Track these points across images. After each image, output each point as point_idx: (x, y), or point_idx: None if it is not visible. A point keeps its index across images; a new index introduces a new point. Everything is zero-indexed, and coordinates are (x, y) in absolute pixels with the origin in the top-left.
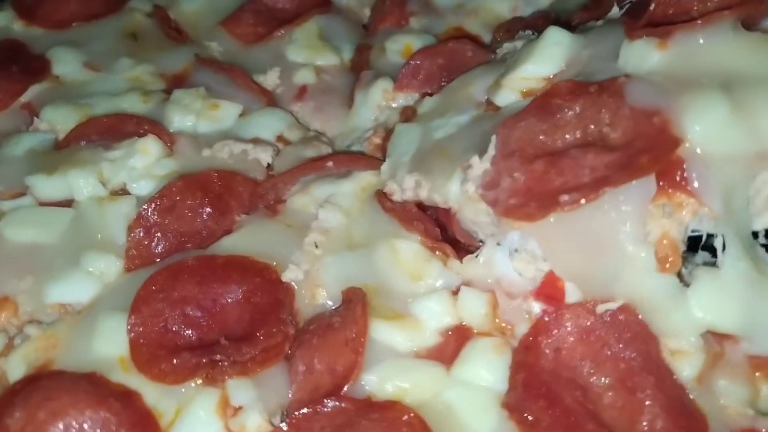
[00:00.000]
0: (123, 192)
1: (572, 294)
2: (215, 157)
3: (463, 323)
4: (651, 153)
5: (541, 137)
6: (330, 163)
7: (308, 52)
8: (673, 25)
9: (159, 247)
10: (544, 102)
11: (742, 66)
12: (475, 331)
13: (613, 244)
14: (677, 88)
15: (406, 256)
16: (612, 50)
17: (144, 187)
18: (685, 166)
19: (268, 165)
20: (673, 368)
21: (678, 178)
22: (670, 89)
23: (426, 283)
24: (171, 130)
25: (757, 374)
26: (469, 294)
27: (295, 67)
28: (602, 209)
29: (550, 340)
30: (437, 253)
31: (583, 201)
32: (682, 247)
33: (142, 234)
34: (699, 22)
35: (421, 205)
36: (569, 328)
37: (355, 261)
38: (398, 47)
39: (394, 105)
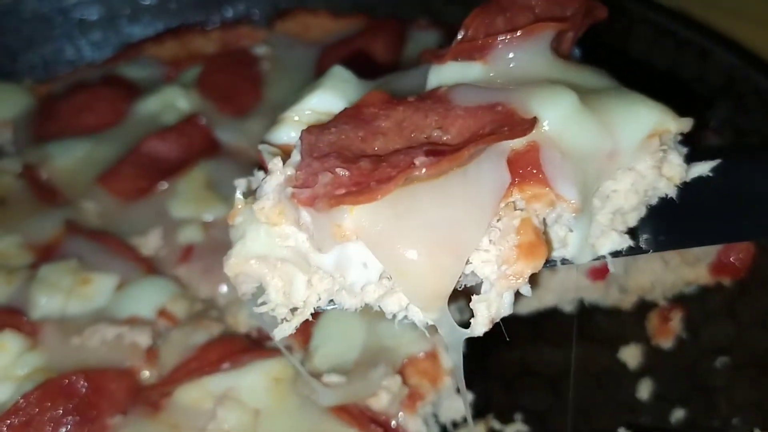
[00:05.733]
0: None
1: None
2: (85, 345)
3: None
4: (509, 125)
5: (360, 144)
6: (227, 365)
7: (194, 206)
8: (488, 39)
9: None
10: (356, 112)
11: (571, 78)
12: None
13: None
14: (513, 86)
15: None
16: (415, 82)
17: (2, 392)
18: (540, 152)
19: (150, 347)
20: None
21: (532, 168)
22: (505, 88)
23: None
24: (36, 317)
25: None
26: None
27: (180, 225)
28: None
29: None
30: None
31: (445, 161)
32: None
33: None
34: (518, 33)
35: None
36: None
37: None
38: None
39: None
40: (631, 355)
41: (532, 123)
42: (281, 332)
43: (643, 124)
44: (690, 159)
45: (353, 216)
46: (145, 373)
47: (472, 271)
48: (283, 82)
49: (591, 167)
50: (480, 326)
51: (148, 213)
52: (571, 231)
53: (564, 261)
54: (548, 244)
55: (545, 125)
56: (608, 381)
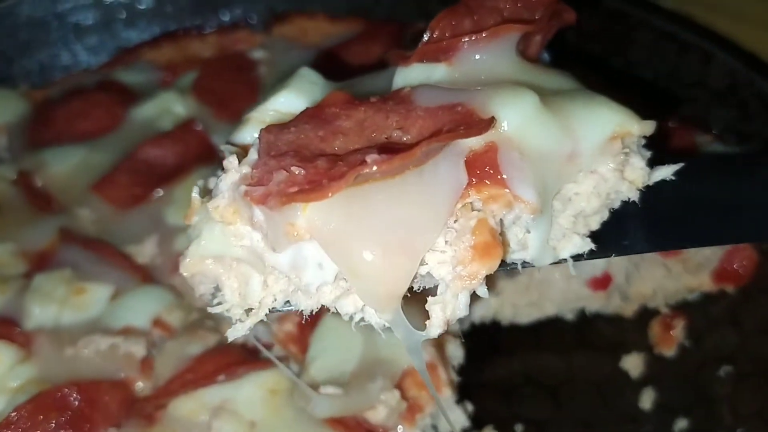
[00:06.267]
0: None
1: None
2: (79, 356)
3: None
4: (466, 125)
5: (319, 144)
6: (222, 377)
7: None
8: (453, 40)
9: None
10: (317, 111)
11: (535, 80)
12: None
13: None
14: (475, 87)
15: None
16: (382, 85)
17: None
18: (498, 153)
19: (145, 358)
20: None
21: (489, 168)
22: (467, 89)
23: None
24: (30, 327)
25: None
26: None
27: (176, 232)
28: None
29: None
30: None
31: (397, 159)
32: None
33: None
34: (484, 34)
35: None
36: None
37: None
38: None
39: None
40: (633, 363)
41: (489, 123)
42: (234, 333)
43: (604, 126)
44: (653, 163)
45: (306, 214)
46: (140, 385)
47: (428, 272)
48: None
49: (550, 169)
50: (435, 328)
51: (144, 220)
52: (529, 232)
53: (525, 264)
54: (505, 245)
55: (504, 125)
56: (610, 390)
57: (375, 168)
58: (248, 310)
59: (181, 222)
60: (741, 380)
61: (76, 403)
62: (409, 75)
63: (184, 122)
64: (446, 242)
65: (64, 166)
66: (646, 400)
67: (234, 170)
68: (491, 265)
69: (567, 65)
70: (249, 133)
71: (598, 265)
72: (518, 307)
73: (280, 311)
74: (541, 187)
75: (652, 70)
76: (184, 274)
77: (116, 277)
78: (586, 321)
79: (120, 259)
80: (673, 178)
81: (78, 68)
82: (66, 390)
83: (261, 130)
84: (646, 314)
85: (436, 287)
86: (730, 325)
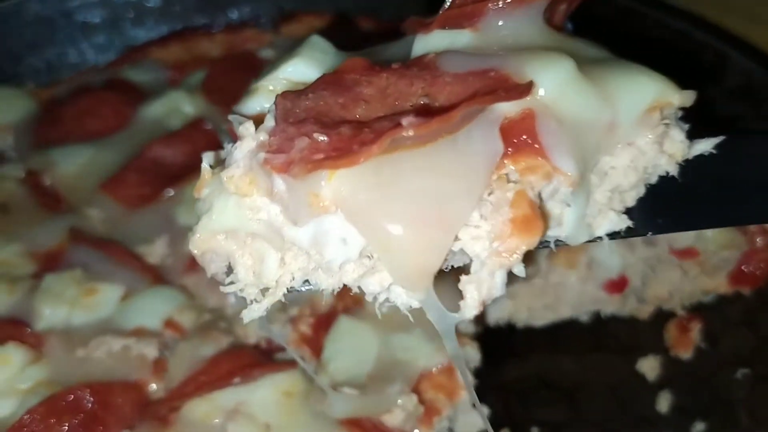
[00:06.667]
0: None
1: None
2: (91, 358)
3: None
4: (504, 88)
5: (339, 111)
6: (237, 379)
7: None
8: (479, 5)
9: None
10: (336, 78)
11: (566, 47)
12: None
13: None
14: (505, 52)
15: None
16: (399, 54)
17: (5, 407)
18: (536, 121)
19: (157, 359)
20: None
21: (527, 137)
22: (497, 54)
23: None
24: (40, 328)
25: None
26: None
27: (186, 232)
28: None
29: None
30: None
31: (434, 122)
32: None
33: None
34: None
35: None
36: None
37: None
38: None
39: None
40: (649, 366)
41: (529, 86)
42: (250, 314)
43: (644, 94)
44: (692, 136)
45: (332, 184)
46: (153, 387)
47: (461, 249)
48: None
49: (589, 139)
50: (470, 309)
51: (154, 220)
52: (569, 206)
53: (558, 242)
54: (544, 219)
55: (541, 92)
56: (626, 393)
57: (411, 132)
58: (264, 290)
59: (192, 222)
60: (758, 383)
61: (89, 405)
62: (429, 42)
63: (192, 121)
64: (481, 216)
65: (72, 165)
66: (663, 403)
67: (250, 137)
68: (531, 241)
69: None
70: (258, 103)
71: (614, 268)
72: (533, 309)
73: (298, 291)
74: (580, 158)
75: (665, 69)
76: (194, 251)
77: (127, 278)
78: (601, 324)
79: (130, 259)
80: (714, 152)
81: (85, 66)
82: (79, 392)
83: (277, 96)
84: (662, 316)
85: (467, 266)
86: (747, 327)
